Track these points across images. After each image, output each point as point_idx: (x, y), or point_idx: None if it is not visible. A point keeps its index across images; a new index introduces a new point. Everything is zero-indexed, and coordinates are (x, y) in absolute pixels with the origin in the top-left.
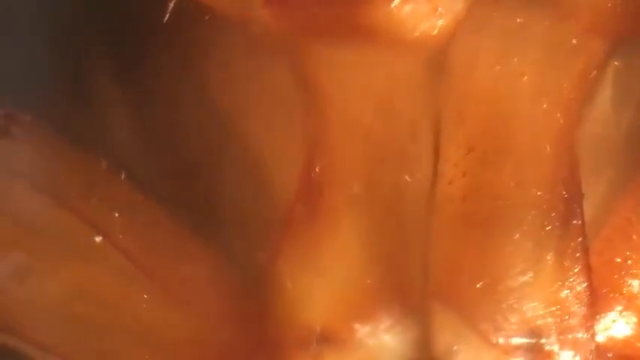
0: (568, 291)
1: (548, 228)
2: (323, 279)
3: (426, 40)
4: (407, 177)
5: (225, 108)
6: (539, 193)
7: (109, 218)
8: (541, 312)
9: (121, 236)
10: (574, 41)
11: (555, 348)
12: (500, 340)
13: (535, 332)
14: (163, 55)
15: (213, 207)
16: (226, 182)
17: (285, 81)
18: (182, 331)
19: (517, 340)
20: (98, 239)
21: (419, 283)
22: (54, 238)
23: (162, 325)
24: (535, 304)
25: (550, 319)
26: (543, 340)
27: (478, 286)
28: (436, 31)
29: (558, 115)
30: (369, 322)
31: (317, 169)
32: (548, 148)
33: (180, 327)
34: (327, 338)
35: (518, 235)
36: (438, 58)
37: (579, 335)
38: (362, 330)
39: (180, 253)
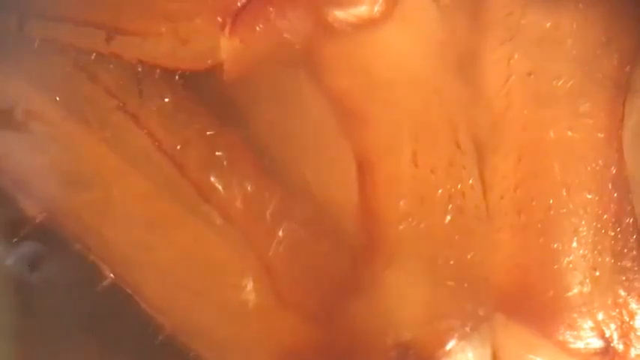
0: (626, 293)
1: (602, 231)
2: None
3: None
4: (459, 186)
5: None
6: (589, 196)
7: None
8: (608, 315)
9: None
10: (603, 38)
11: (623, 349)
12: (579, 348)
13: (606, 335)
14: None
15: None
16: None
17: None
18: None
19: (593, 346)
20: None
21: (484, 296)
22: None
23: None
24: (602, 307)
25: (617, 322)
26: (614, 343)
27: (549, 295)
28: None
29: (602, 114)
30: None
31: (367, 194)
32: (594, 150)
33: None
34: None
35: (575, 241)
36: (471, 72)
37: None
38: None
39: None
